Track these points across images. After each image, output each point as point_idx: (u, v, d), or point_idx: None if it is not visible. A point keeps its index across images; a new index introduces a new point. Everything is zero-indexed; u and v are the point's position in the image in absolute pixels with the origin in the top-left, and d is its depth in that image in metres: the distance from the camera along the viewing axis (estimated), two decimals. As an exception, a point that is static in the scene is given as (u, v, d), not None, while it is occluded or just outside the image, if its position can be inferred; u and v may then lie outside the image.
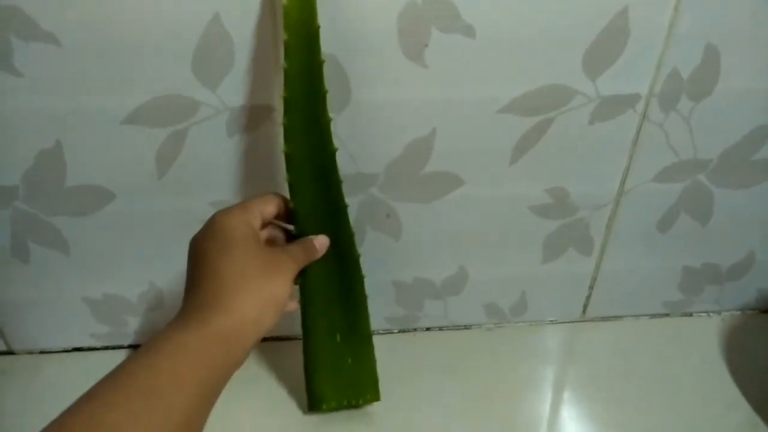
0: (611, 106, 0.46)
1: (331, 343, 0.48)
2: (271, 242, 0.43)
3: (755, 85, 0.45)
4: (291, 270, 0.39)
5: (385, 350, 0.51)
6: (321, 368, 0.48)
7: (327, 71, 0.40)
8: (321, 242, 0.43)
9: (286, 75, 0.38)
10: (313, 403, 0.49)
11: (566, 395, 0.54)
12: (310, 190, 0.42)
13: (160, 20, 0.39)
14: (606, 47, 0.43)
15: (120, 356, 0.56)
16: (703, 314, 0.61)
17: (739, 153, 0.49)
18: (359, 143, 0.46)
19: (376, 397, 0.50)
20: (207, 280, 0.36)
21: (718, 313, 0.61)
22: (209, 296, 0.35)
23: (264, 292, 0.36)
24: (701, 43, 0.43)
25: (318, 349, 0.48)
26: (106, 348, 0.57)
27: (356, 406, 0.51)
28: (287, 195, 0.43)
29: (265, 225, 0.42)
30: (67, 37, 0.39)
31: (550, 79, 0.44)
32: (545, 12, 0.41)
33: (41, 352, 0.57)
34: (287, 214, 0.43)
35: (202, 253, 0.37)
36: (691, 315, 0.61)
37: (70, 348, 0.57)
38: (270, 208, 0.41)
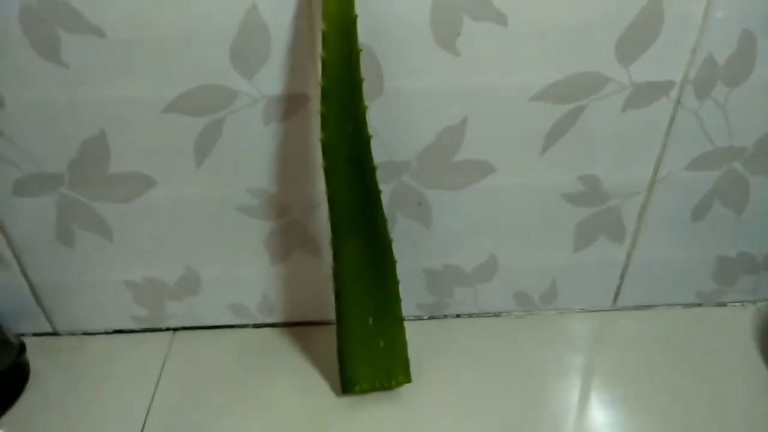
0: (645, 94, 0.45)
1: (364, 327, 0.49)
2: None
3: (793, 71, 0.45)
4: None
5: (415, 336, 0.52)
6: (354, 351, 0.50)
7: (361, 60, 0.40)
8: None
9: (324, 64, 0.39)
10: (346, 386, 0.51)
11: (595, 383, 0.54)
12: (345, 177, 0.43)
13: (199, 12, 0.40)
14: (639, 34, 0.42)
15: (158, 338, 0.58)
16: (738, 304, 0.60)
17: (776, 140, 0.48)
18: (392, 131, 0.47)
19: (407, 379, 0.51)
20: None
21: (753, 302, 0.60)
22: None
23: None
24: (737, 28, 0.43)
25: (351, 332, 0.49)
26: (145, 330, 0.59)
27: (388, 388, 0.52)
28: (323, 181, 0.44)
29: None
30: (111, 30, 0.41)
31: (583, 66, 0.44)
32: (578, -1, 0.41)
33: (84, 334, 0.59)
34: None
35: None
36: (725, 305, 0.60)
37: (111, 330, 0.59)
38: None
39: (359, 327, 0.49)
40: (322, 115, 0.41)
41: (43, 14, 0.40)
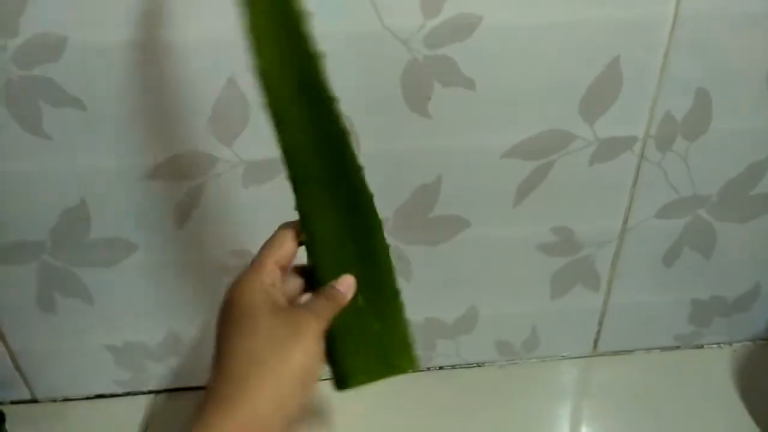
0: (610, 148, 0.47)
1: (353, 308, 0.38)
2: (293, 291, 0.38)
3: (746, 125, 0.47)
4: (315, 330, 0.35)
5: (397, 391, 0.52)
6: (344, 339, 0.38)
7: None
8: (346, 284, 0.37)
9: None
10: (340, 382, 0.38)
11: (581, 431, 0.54)
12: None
13: (179, 85, 0.42)
14: (601, 94, 0.45)
15: (141, 402, 0.57)
16: (714, 346, 0.62)
17: (736, 189, 0.50)
18: (369, 191, 0.48)
19: (411, 364, 0.40)
20: (224, 361, 0.33)
21: (729, 344, 0.62)
22: (227, 383, 0.32)
23: (284, 371, 0.32)
24: (692, 86, 0.45)
25: (338, 318, 0.37)
26: (127, 394, 0.58)
27: (390, 377, 0.40)
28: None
29: (285, 269, 0.37)
30: (92, 102, 0.42)
31: (550, 125, 0.46)
32: (542, 63, 0.43)
33: (64, 400, 0.58)
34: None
35: (218, 330, 0.35)
36: (702, 347, 0.62)
37: (92, 395, 0.58)
38: (286, 248, 0.37)
39: (347, 310, 0.38)
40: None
41: (25, 88, 0.41)
